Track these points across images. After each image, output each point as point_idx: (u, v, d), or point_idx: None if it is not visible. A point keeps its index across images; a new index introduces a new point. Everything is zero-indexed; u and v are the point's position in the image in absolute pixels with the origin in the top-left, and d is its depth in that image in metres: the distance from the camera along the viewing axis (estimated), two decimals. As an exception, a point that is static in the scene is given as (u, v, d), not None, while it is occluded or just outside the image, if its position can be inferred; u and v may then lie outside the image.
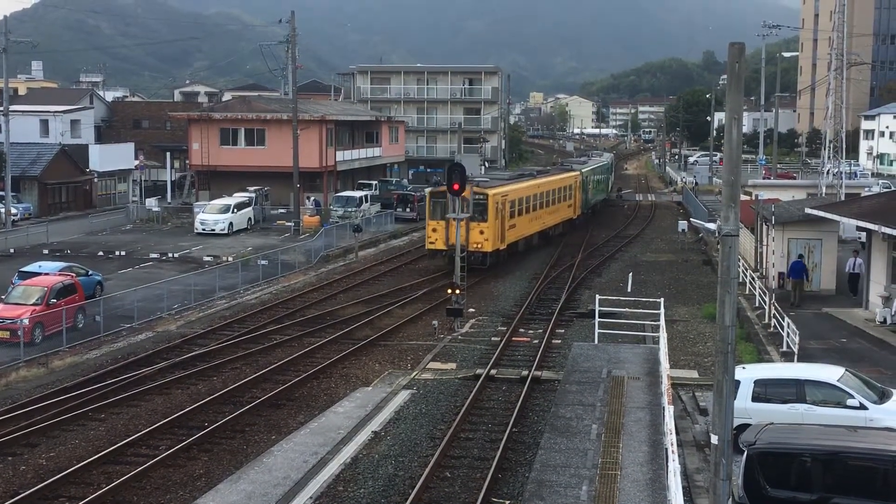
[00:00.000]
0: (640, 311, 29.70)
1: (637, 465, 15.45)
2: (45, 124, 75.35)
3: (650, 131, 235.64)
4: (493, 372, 26.08)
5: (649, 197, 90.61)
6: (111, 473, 18.81)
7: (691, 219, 62.35)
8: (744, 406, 19.20)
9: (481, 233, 41.13)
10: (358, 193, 63.47)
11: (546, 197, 50.87)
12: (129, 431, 21.24)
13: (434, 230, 41.51)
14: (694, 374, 26.33)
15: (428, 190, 45.27)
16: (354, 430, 21.11)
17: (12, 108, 63.04)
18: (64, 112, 77.87)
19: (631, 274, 41.24)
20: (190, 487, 18.19)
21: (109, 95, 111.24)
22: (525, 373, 25.81)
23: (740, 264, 37.37)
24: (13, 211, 57.80)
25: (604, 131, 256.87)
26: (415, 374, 26.33)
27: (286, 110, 63.22)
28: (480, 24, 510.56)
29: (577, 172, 59.87)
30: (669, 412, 16.38)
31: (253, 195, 59.87)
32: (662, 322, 24.16)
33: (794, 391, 19.86)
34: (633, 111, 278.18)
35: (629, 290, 38.10)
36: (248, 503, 16.97)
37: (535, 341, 30.18)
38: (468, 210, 37.10)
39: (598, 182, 69.28)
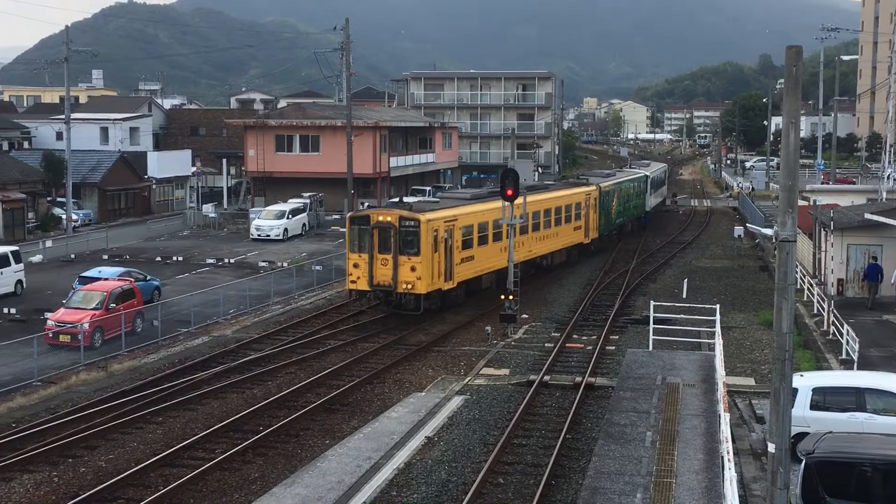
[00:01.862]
0: (696, 317, 29.44)
1: (692, 473, 15.29)
2: (104, 132, 76.66)
3: (705, 136, 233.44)
4: (546, 378, 25.98)
5: (705, 202, 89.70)
6: (168, 476, 19.05)
7: (748, 224, 61.67)
8: (802, 414, 18.93)
9: (412, 269, 32.03)
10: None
11: (535, 219, 41.01)
12: (186, 435, 21.48)
13: (356, 265, 32.93)
14: (750, 381, 26.00)
15: (348, 214, 35.61)
16: (408, 436, 21.16)
17: (73, 116, 64.23)
18: (123, 120, 79.18)
19: (686, 280, 40.83)
20: (245, 491, 18.35)
21: (167, 103, 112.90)
22: (579, 379, 25.68)
23: (798, 270, 36.85)
24: (74, 217, 58.86)
25: (658, 136, 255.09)
26: (468, 379, 26.32)
27: (340, 117, 63.64)
28: (532, 30, 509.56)
29: (593, 187, 49.33)
30: (725, 420, 16.19)
31: (307, 201, 60.33)
32: (718, 328, 23.91)
33: (853, 400, 19.54)
34: (688, 116, 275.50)
35: (684, 296, 37.72)
36: (302, 507, 17.09)
37: (589, 347, 30.01)
38: (398, 241, 32.06)
39: (628, 198, 57.91)
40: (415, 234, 32.19)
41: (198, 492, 18.29)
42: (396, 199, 37.56)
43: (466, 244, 34.80)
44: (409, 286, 32.09)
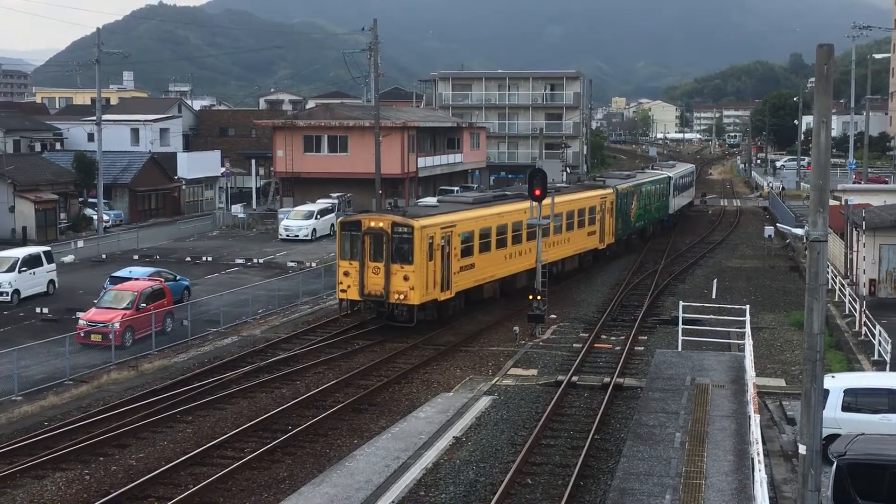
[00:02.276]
0: (725, 318, 29.24)
1: (722, 474, 15.19)
2: (135, 133, 77.28)
3: (735, 135, 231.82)
4: (574, 378, 25.93)
5: (734, 202, 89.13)
6: (198, 475, 19.17)
7: (778, 224, 61.17)
8: (833, 416, 18.77)
9: (405, 279, 30.34)
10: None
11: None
12: (216, 434, 21.61)
13: (346, 273, 31.29)
14: (781, 382, 25.81)
15: (339, 220, 34.53)
16: (436, 436, 21.19)
17: (105, 117, 64.77)
18: (153, 121, 79.79)
19: (716, 280, 40.58)
20: (274, 490, 18.43)
21: (197, 104, 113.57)
22: (607, 380, 25.61)
23: (829, 271, 36.52)
24: (105, 217, 59.34)
25: (687, 136, 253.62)
26: (496, 380, 26.30)
27: (368, 117, 63.78)
28: (560, 29, 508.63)
29: (609, 190, 47.12)
30: (755, 421, 16.09)
31: (336, 201, 60.50)
32: (748, 329, 23.73)
33: (885, 401, 19.35)
34: (717, 115, 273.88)
35: (714, 296, 37.50)
36: (330, 506, 17.16)
37: (618, 348, 29.91)
38: (390, 248, 30.45)
39: (649, 201, 55.65)
40: (408, 242, 30.40)
41: (227, 491, 18.40)
42: (392, 203, 36.91)
43: (466, 252, 32.95)
44: (402, 296, 30.34)
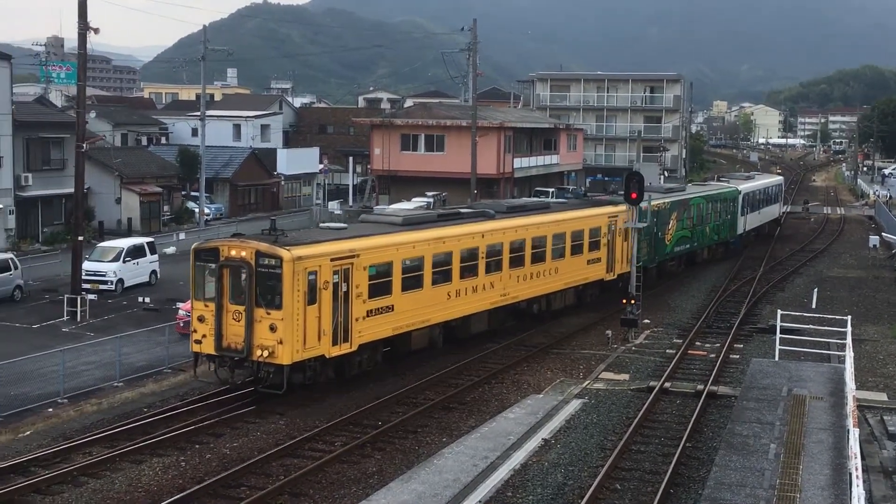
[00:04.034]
0: (825, 328, 28.51)
1: (818, 488, 14.82)
2: (237, 129, 78.97)
3: (841, 142, 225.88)
4: (667, 385, 25.59)
5: (838, 210, 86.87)
6: (289, 466, 19.47)
7: (884, 234, 59.45)
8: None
9: (272, 329, 22.52)
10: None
11: (516, 250, 30.81)
12: (307, 427, 21.91)
13: (200, 319, 23.53)
14: (883, 396, 25.05)
15: (193, 246, 24.63)
16: (524, 437, 21.13)
17: (208, 113, 66.30)
18: (255, 117, 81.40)
19: (816, 290, 39.60)
20: (363, 484, 18.61)
21: (297, 101, 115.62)
22: (700, 387, 25.21)
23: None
24: (206, 211, 60.76)
25: (791, 141, 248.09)
26: (587, 383, 26.13)
27: (465, 117, 63.93)
28: (662, 31, 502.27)
29: (623, 207, 35.91)
30: (854, 435, 15.64)
31: (430, 200, 60.80)
32: (849, 340, 23.09)
33: None
34: (822, 121, 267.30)
35: (814, 306, 36.60)
36: (418, 502, 17.27)
37: (712, 355, 29.42)
38: (253, 286, 22.71)
39: (701, 220, 46.40)
40: (276, 278, 22.52)
41: (317, 483, 18.64)
42: (272, 223, 25.58)
43: (379, 290, 25.04)
44: (267, 353, 22.52)
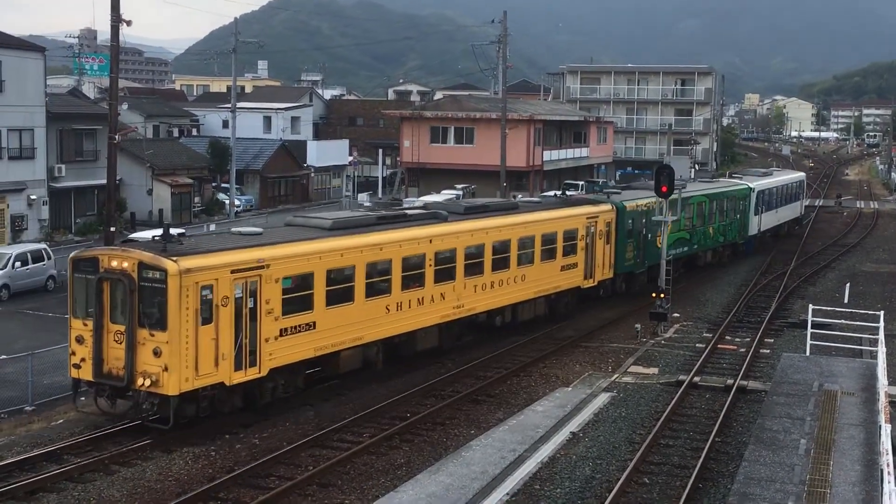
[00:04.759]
0: (857, 323, 28.25)
1: (848, 484, 14.71)
2: (267, 121, 79.30)
3: (875, 135, 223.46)
4: (696, 379, 25.49)
5: (871, 204, 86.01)
6: (318, 457, 19.57)
7: (918, 228, 58.71)
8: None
9: (155, 353, 19.43)
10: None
11: (471, 257, 27.59)
12: (336, 418, 22.00)
13: (79, 340, 20.51)
14: (915, 392, 24.79)
15: (71, 256, 21.33)
16: (553, 430, 21.12)
17: (239, 105, 66.64)
18: (285, 109, 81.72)
19: (848, 284, 39.26)
20: (391, 476, 18.68)
21: (327, 94, 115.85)
22: (730, 381, 25.10)
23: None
24: (236, 202, 61.10)
25: (823, 135, 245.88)
26: (615, 376, 26.07)
27: (495, 109, 63.87)
28: (694, 23, 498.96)
29: (606, 208, 34.71)
30: (886, 431, 15.50)
31: (460, 192, 60.82)
32: (881, 336, 22.88)
33: None
34: (856, 114, 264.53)
35: (846, 301, 36.29)
36: (446, 494, 17.31)
37: (742, 350, 29.27)
38: (135, 304, 19.55)
39: (704, 220, 42.96)
40: (160, 294, 19.40)
41: (345, 474, 18.73)
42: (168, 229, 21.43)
43: (296, 305, 21.89)
44: (150, 381, 19.42)
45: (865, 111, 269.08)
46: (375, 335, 24.40)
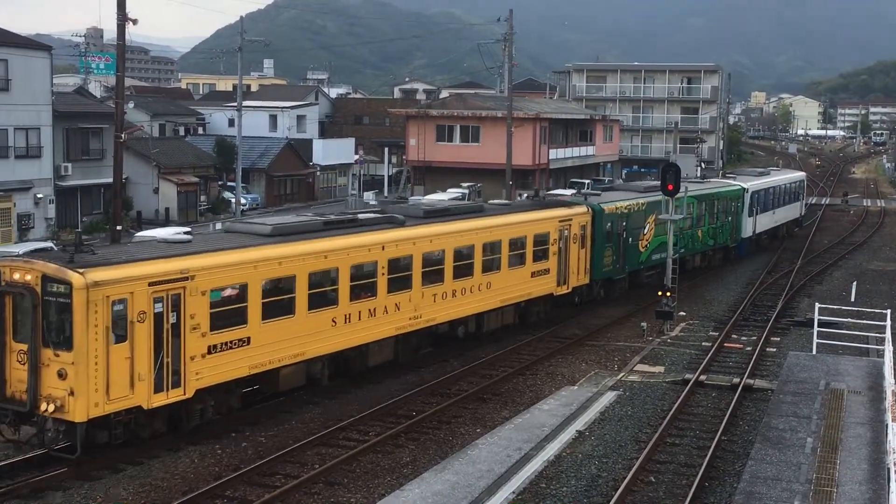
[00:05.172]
0: (864, 321, 28.21)
1: (855, 483, 14.69)
2: (273, 119, 79.33)
3: (882, 133, 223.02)
4: (702, 378, 25.46)
5: (878, 202, 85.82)
6: (324, 455, 19.58)
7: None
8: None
9: (60, 375, 17.67)
10: None
11: (432, 263, 25.97)
12: (342, 417, 22.01)
13: None
14: (922, 391, 24.73)
15: None
16: (559, 429, 21.12)
17: (245, 103, 66.66)
18: (291, 108, 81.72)
19: (855, 283, 39.18)
20: (397, 474, 18.69)
21: (333, 92, 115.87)
22: (736, 380, 25.06)
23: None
24: (242, 201, 61.11)
25: (830, 133, 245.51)
26: (621, 375, 26.06)
27: (501, 108, 63.83)
28: (700, 21, 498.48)
29: (581, 210, 32.86)
30: (893, 430, 15.47)
31: (466, 191, 60.78)
32: (888, 334, 22.86)
33: None
34: (863, 112, 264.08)
35: (853, 299, 36.22)
36: (452, 493, 17.31)
37: (748, 348, 29.23)
38: (38, 321, 17.90)
39: (692, 222, 40.50)
40: (65, 310, 17.69)
41: (351, 472, 18.74)
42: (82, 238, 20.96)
43: (227, 319, 20.10)
44: (55, 406, 17.66)
45: (872, 109, 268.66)
46: (320, 350, 22.62)
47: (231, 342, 20.17)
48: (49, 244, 39.26)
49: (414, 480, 18.02)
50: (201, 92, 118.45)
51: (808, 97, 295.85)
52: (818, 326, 25.98)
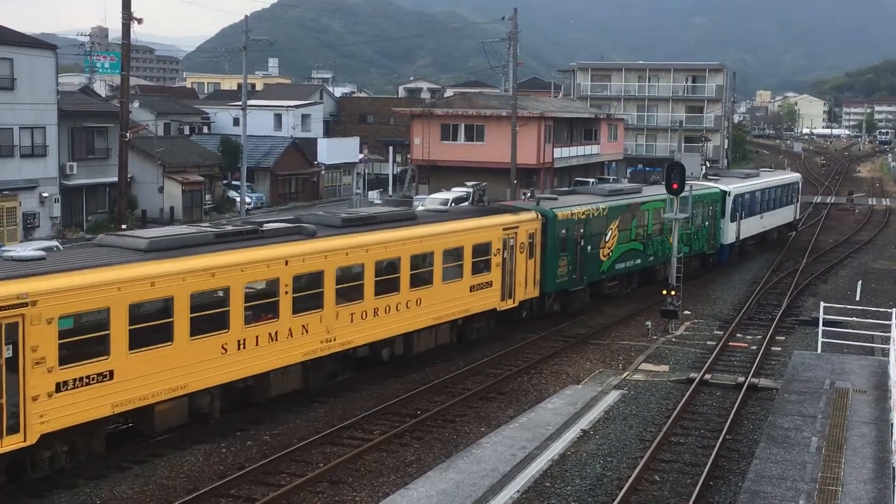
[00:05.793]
0: (870, 321, 28.18)
1: (860, 482, 14.67)
2: (278, 118, 79.39)
3: (887, 132, 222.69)
4: (707, 377, 25.44)
5: (884, 201, 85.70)
6: (329, 454, 19.59)
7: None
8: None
9: None
10: None
11: (349, 279, 23.03)
12: (347, 415, 22.03)
13: None
14: (927, 390, 24.70)
15: None
16: (563, 428, 21.12)
17: (249, 103, 66.72)
18: (296, 107, 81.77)
19: (860, 282, 39.12)
20: (402, 473, 18.70)
21: (338, 91, 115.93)
22: (741, 379, 25.04)
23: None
24: (247, 200, 61.16)
25: (835, 132, 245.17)
26: (626, 374, 26.04)
27: (505, 107, 63.81)
28: (706, 20, 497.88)
29: (529, 216, 29.96)
30: (898, 429, 15.48)
31: (470, 190, 60.78)
32: (894, 333, 22.79)
33: None
34: (868, 111, 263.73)
35: (857, 298, 36.17)
36: (456, 492, 17.32)
37: (753, 347, 29.21)
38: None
39: (662, 230, 37.27)
40: None
41: (356, 471, 18.75)
42: None
43: (83, 351, 17.21)
44: None
45: (877, 108, 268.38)
46: (207, 381, 19.59)
47: (88, 377, 17.17)
48: (55, 243, 39.34)
49: (419, 479, 18.03)
50: (206, 91, 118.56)
51: (814, 96, 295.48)
52: (823, 325, 25.95)
